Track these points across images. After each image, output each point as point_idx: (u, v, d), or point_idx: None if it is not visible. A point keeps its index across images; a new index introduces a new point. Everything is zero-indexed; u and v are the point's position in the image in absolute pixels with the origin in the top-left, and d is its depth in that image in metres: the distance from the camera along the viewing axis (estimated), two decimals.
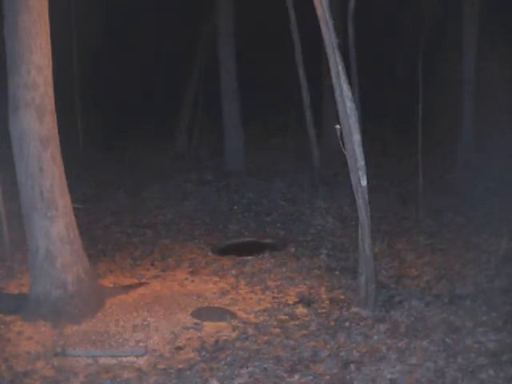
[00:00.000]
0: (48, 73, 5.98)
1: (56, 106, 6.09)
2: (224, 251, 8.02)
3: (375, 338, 5.52)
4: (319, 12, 5.80)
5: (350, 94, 5.85)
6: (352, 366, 5.05)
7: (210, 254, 7.93)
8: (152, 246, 8.22)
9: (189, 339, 5.64)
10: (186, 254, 7.93)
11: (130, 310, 6.15)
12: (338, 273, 7.09)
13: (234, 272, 7.25)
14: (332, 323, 5.87)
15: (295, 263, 7.45)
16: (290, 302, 6.39)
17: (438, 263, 7.22)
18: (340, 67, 5.80)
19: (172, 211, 9.69)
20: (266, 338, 5.63)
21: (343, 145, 5.94)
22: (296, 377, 4.97)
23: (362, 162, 5.86)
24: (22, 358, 5.33)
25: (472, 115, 11.25)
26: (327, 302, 6.36)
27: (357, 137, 5.85)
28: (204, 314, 6.10)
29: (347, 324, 5.81)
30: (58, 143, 6.11)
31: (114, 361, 5.28)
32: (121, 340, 5.60)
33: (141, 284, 6.91)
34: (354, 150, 5.86)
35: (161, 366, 5.20)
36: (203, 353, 5.39)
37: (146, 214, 9.63)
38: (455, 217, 8.86)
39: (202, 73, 13.59)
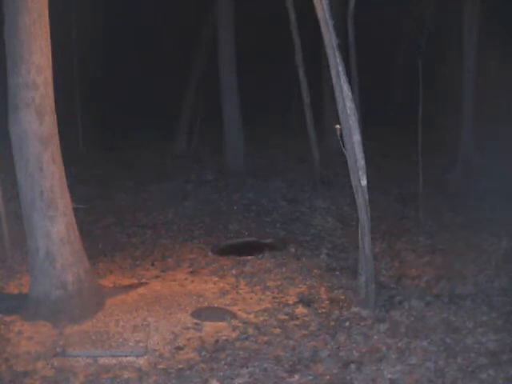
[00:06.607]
0: (48, 73, 5.98)
1: (56, 106, 6.09)
2: (224, 251, 8.02)
3: (375, 337, 5.52)
4: (319, 12, 5.81)
5: (350, 93, 5.86)
6: (352, 366, 5.05)
7: (209, 254, 7.93)
8: (152, 246, 8.22)
9: (189, 339, 5.64)
10: (185, 253, 7.94)
11: (129, 310, 6.15)
12: (338, 273, 7.10)
13: (234, 272, 7.25)
14: (332, 323, 5.87)
15: (295, 263, 7.45)
16: (290, 302, 6.39)
17: (438, 263, 7.22)
18: (340, 67, 5.80)
19: (172, 211, 9.69)
20: (265, 338, 5.63)
21: (343, 145, 5.95)
22: (296, 377, 4.97)
23: (362, 162, 5.87)
24: (22, 358, 5.33)
25: (472, 115, 11.26)
26: (327, 302, 6.37)
27: (357, 137, 5.86)
28: (204, 313, 6.10)
29: (347, 324, 5.81)
30: (58, 143, 6.11)
31: (114, 361, 5.28)
32: (121, 340, 5.60)
33: (141, 284, 6.91)
34: (354, 150, 5.86)
35: (161, 366, 5.19)
36: (203, 353, 5.39)
37: (146, 214, 9.64)
38: (455, 217, 8.87)
39: (202, 73, 13.60)
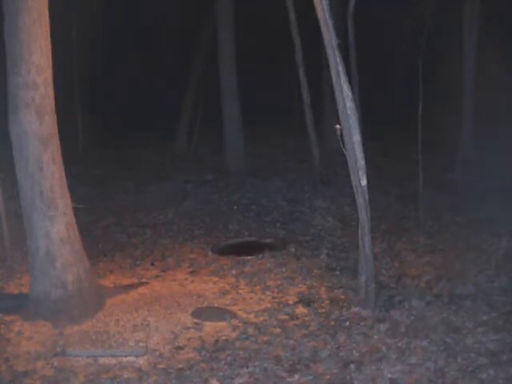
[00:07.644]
0: (48, 73, 5.99)
1: (56, 106, 6.09)
2: (224, 251, 8.02)
3: (375, 337, 5.52)
4: (319, 12, 5.81)
5: (350, 93, 5.86)
6: (352, 366, 5.05)
7: (209, 253, 7.93)
8: (152, 246, 8.23)
9: (189, 339, 5.64)
10: (186, 253, 7.94)
11: (129, 310, 6.15)
12: (338, 273, 7.10)
13: (234, 272, 7.25)
14: (332, 323, 5.87)
15: (295, 263, 7.45)
16: (290, 302, 6.39)
17: (438, 263, 7.22)
18: (340, 67, 5.80)
19: (172, 211, 9.69)
20: (266, 337, 5.64)
21: (343, 145, 5.95)
22: (296, 377, 4.97)
23: (362, 162, 5.87)
24: (22, 357, 5.33)
25: (472, 115, 11.26)
26: (327, 301, 6.37)
27: (357, 137, 5.86)
28: (204, 313, 6.10)
29: (347, 324, 5.81)
30: (58, 143, 6.12)
31: (114, 361, 5.28)
32: (121, 340, 5.60)
33: (141, 284, 6.91)
34: (354, 149, 5.86)
35: (161, 366, 5.20)
36: (203, 353, 5.39)
37: (146, 214, 9.64)
38: (455, 217, 8.87)
39: (202, 73, 13.60)
